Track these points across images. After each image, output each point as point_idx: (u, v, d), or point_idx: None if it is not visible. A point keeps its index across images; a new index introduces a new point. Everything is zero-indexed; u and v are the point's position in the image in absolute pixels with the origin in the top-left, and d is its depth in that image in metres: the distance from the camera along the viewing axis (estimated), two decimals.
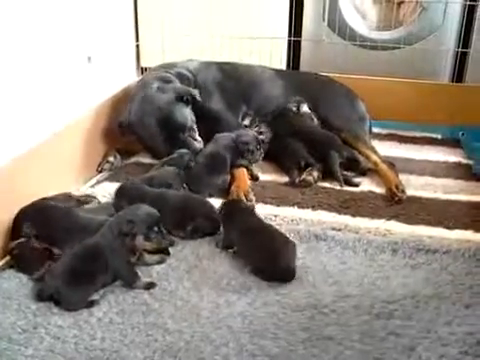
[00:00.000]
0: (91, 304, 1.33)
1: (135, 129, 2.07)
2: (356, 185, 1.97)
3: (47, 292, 1.34)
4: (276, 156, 2.14)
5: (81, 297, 1.33)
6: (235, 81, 2.32)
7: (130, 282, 1.40)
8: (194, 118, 2.10)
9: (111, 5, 2.34)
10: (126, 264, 1.40)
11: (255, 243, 1.49)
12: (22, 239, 1.51)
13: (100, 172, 2.09)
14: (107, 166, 2.10)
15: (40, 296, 1.34)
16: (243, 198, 1.82)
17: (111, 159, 2.12)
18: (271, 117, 2.27)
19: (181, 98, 2.06)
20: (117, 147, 2.19)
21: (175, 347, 1.20)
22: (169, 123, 2.03)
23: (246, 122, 2.26)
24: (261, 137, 2.16)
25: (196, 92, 2.11)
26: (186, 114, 2.07)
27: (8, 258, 1.51)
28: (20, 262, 1.48)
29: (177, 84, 2.14)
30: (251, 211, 1.64)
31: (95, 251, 1.38)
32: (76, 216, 1.57)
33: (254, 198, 1.85)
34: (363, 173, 2.05)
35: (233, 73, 2.35)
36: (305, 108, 2.30)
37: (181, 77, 2.20)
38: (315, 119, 2.28)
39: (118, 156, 2.15)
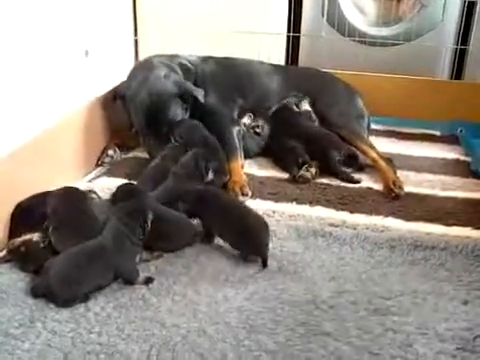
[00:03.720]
0: (86, 298, 1.32)
1: (128, 103, 2.05)
2: (357, 182, 1.97)
3: (40, 290, 1.33)
4: (275, 154, 2.14)
5: (73, 297, 1.31)
6: (232, 75, 2.30)
7: (133, 281, 1.39)
8: (185, 117, 2.08)
9: None
10: (130, 263, 1.40)
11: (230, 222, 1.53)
12: (27, 236, 1.49)
13: (100, 165, 2.09)
14: (107, 159, 2.10)
15: (34, 293, 1.34)
16: (239, 192, 1.82)
17: (111, 152, 2.12)
18: (270, 114, 2.26)
19: (181, 95, 2.05)
20: (115, 141, 2.19)
21: (172, 342, 1.20)
22: (160, 113, 2.00)
23: (245, 120, 2.24)
24: (257, 130, 2.16)
25: (200, 93, 2.09)
26: (178, 112, 2.04)
27: (4, 253, 1.50)
28: (24, 260, 1.46)
29: (182, 80, 2.11)
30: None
31: (95, 252, 1.37)
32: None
33: (250, 192, 1.85)
34: (361, 169, 2.06)
35: (230, 67, 2.34)
36: (306, 106, 2.29)
37: (183, 68, 2.19)
38: (314, 117, 2.27)
39: (117, 150, 2.14)
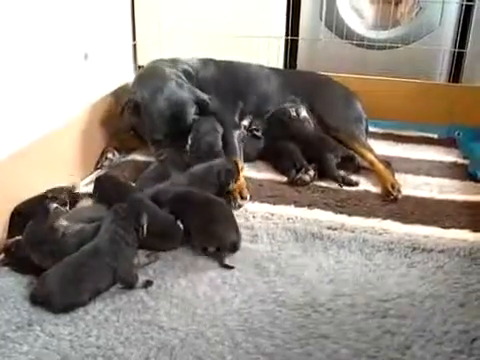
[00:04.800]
0: (83, 302, 1.32)
1: (143, 110, 2.03)
2: (355, 184, 1.97)
3: (39, 299, 1.32)
4: (272, 157, 2.14)
5: (73, 304, 1.31)
6: (233, 79, 2.32)
7: (132, 284, 1.38)
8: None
9: (108, 3, 2.34)
10: (130, 269, 1.39)
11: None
12: (19, 237, 1.49)
13: (99, 168, 2.10)
14: (107, 162, 2.11)
15: (34, 301, 1.33)
16: (238, 196, 1.83)
17: (110, 156, 2.13)
18: (267, 118, 2.26)
19: (196, 102, 2.07)
20: (114, 144, 2.19)
21: (170, 345, 1.20)
22: (180, 121, 2.02)
23: (245, 122, 2.25)
24: (257, 133, 2.17)
25: (207, 97, 2.11)
26: (193, 119, 2.06)
27: (3, 256, 1.50)
28: (17, 261, 1.47)
29: (192, 86, 2.13)
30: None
31: (91, 255, 1.37)
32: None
33: (249, 195, 1.85)
34: (358, 170, 2.06)
35: (231, 71, 2.35)
36: (304, 113, 2.29)
37: (186, 74, 2.20)
38: (312, 124, 2.26)
39: (116, 153, 2.15)
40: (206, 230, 1.55)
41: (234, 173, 1.84)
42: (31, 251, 1.42)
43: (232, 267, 1.48)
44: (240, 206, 1.81)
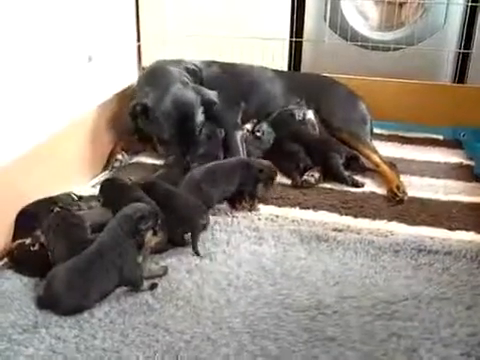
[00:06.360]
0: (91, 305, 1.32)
1: (153, 114, 2.01)
2: (361, 185, 1.97)
3: (46, 302, 1.32)
4: (276, 159, 2.14)
5: (80, 307, 1.31)
6: (235, 80, 2.32)
7: (138, 287, 1.38)
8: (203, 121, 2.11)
9: (112, 4, 2.34)
10: (135, 269, 1.38)
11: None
12: (22, 240, 1.50)
13: (110, 170, 2.10)
14: (117, 164, 2.11)
15: (40, 305, 1.33)
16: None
17: (120, 157, 2.13)
18: (272, 119, 2.26)
19: (202, 101, 2.07)
20: (122, 146, 2.20)
21: (176, 347, 1.20)
22: (189, 122, 2.02)
23: (248, 126, 2.25)
24: (258, 134, 2.17)
25: (214, 95, 2.11)
26: (201, 118, 2.07)
27: (8, 258, 1.50)
28: (19, 263, 1.47)
29: (197, 85, 2.14)
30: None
31: (95, 253, 1.36)
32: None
33: (258, 206, 1.84)
34: (363, 170, 2.06)
35: (234, 72, 2.35)
36: (310, 115, 2.29)
37: (190, 72, 2.20)
38: (317, 128, 2.26)
39: (125, 154, 2.16)
40: (177, 215, 1.57)
41: (263, 175, 1.83)
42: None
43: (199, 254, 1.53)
44: (244, 207, 1.80)
